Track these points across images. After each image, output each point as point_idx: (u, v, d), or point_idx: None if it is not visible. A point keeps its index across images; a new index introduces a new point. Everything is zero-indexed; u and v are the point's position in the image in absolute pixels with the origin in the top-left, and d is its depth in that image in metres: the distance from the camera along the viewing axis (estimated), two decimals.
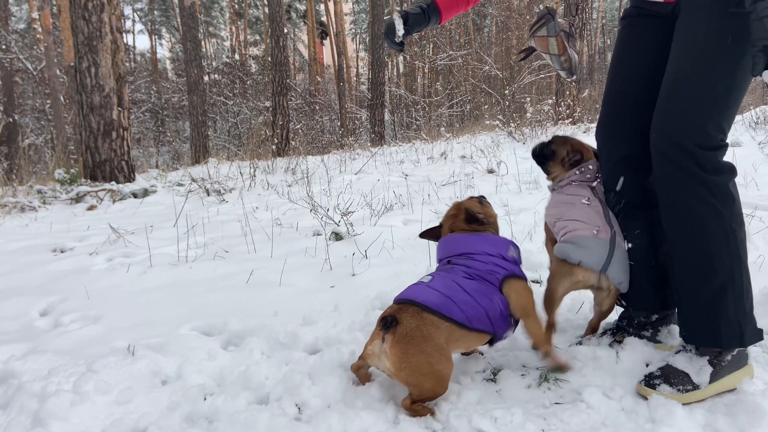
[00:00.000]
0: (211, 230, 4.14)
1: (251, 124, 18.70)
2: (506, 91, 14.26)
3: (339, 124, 24.54)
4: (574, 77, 2.04)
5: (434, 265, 2.96)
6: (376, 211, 4.24)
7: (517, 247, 1.96)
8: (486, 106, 18.88)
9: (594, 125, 9.83)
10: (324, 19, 35.70)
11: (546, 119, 10.37)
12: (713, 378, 1.63)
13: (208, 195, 5.81)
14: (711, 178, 1.60)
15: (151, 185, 6.38)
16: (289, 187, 5.96)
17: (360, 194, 4.98)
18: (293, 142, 14.09)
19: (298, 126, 20.15)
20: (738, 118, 9.08)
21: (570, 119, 10.73)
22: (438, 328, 1.62)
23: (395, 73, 33.37)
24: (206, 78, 24.39)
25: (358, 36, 42.05)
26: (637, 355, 1.89)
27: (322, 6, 35.21)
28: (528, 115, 9.62)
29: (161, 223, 4.53)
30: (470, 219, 1.95)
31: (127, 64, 28.27)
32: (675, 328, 1.89)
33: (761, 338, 1.66)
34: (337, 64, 28.45)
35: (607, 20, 36.93)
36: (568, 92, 11.64)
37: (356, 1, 39.80)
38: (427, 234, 2.14)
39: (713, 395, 1.65)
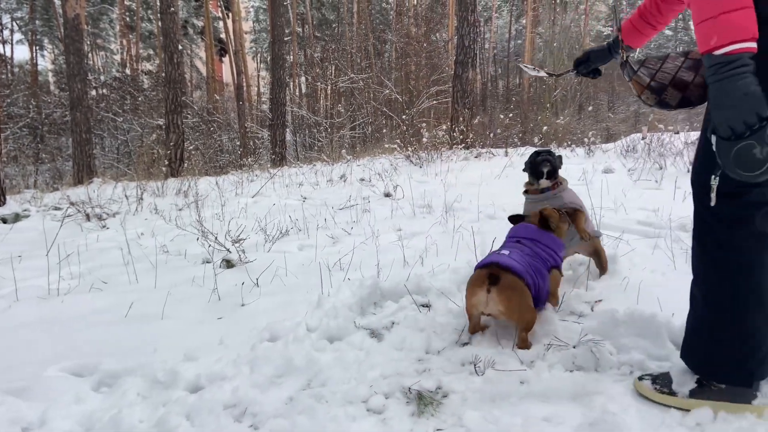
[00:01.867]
0: (89, 259, 3.86)
1: (143, 142, 17.79)
2: (404, 116, 14.64)
3: (239, 143, 23.95)
4: (666, 108, 1.99)
5: (327, 292, 2.95)
6: (271, 237, 4.16)
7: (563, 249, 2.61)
8: (386, 129, 19.28)
9: (485, 151, 10.30)
10: (223, 36, 34.96)
11: (441, 144, 10.74)
12: (694, 394, 1.72)
13: (88, 220, 5.43)
14: (720, 227, 1.63)
15: (23, 209, 5.86)
16: (180, 211, 5.71)
17: (255, 219, 4.87)
18: (187, 162, 13.55)
19: (194, 145, 19.44)
20: (611, 146, 9.92)
21: (463, 144, 11.19)
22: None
23: (297, 94, 33.24)
24: (93, 93, 22.94)
25: (259, 55, 41.55)
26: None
27: (221, 23, 34.49)
28: (424, 139, 9.92)
29: (32, 251, 4.16)
30: (543, 222, 2.59)
31: (3, 76, 25.98)
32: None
33: (747, 385, 1.67)
34: (236, 82, 27.86)
35: (498, 50, 39.14)
36: (461, 118, 12.14)
37: (256, 20, 39.37)
38: (514, 218, 2.74)
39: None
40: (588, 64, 2.35)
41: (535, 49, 31.16)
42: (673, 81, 1.89)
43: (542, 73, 2.80)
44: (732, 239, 1.61)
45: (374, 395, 1.96)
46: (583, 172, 6.43)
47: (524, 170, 3.13)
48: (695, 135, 10.19)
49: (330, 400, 1.96)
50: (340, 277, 3.22)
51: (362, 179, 8.02)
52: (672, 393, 1.77)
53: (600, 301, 2.68)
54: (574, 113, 17.78)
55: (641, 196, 5.26)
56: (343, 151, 14.28)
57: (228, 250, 3.66)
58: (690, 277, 2.73)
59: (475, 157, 9.99)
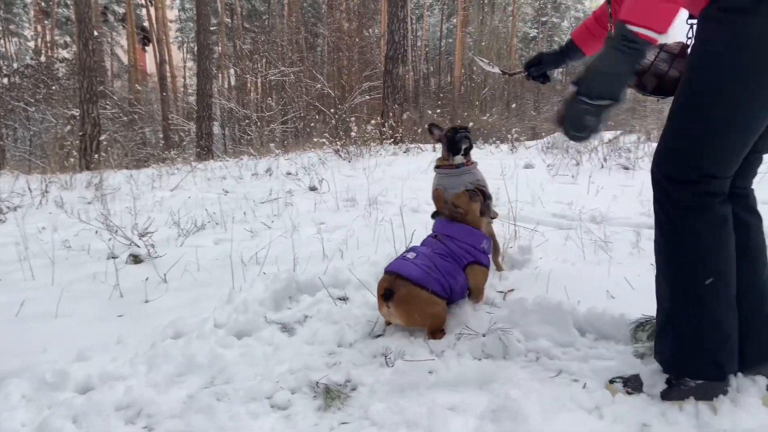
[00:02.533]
0: None
1: (57, 133, 16.74)
2: (332, 110, 14.53)
3: (162, 136, 23.03)
4: (642, 92, 1.96)
5: (239, 286, 2.84)
6: (185, 231, 3.98)
7: (488, 241, 2.59)
8: (316, 124, 19.09)
9: (413, 146, 10.38)
10: (146, 24, 33.47)
11: (371, 139, 10.74)
12: (665, 395, 1.67)
13: None
14: (676, 214, 1.61)
15: None
16: (88, 204, 5.38)
17: (169, 213, 4.65)
18: (105, 155, 12.86)
19: (113, 137, 18.50)
20: (533, 143, 10.24)
21: (393, 139, 11.23)
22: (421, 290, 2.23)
23: (226, 86, 32.34)
24: (4, 81, 21.40)
25: (185, 45, 40.09)
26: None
27: (144, 11, 33.02)
28: (353, 134, 9.88)
29: None
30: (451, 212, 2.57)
31: None
32: (762, 380, 1.70)
33: (720, 379, 1.63)
34: (159, 72, 26.76)
35: (429, 48, 39.64)
36: (392, 114, 12.19)
37: (182, 9, 37.93)
38: (435, 215, 2.65)
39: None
40: (540, 67, 2.32)
41: (465, 48, 31.77)
42: (651, 68, 1.89)
43: (496, 69, 2.78)
44: (692, 226, 1.60)
45: (280, 391, 1.88)
46: (502, 167, 6.58)
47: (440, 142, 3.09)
48: (609, 134, 10.67)
49: (233, 397, 1.88)
50: (255, 272, 3.12)
51: (288, 173, 7.88)
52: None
53: (512, 290, 2.72)
54: (502, 111, 18.25)
55: (558, 190, 5.43)
56: (272, 145, 14.01)
57: (136, 244, 3.47)
58: (598, 266, 2.82)
59: (404, 152, 10.05)
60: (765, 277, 1.71)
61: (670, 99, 1.78)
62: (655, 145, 7.35)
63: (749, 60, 1.43)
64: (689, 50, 1.62)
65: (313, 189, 6.00)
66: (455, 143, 2.99)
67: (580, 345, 2.17)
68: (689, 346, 1.64)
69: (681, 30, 1.83)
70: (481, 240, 2.54)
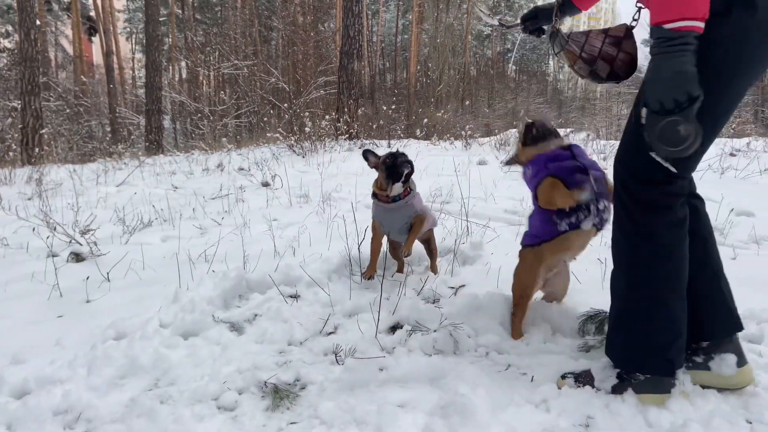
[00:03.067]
0: None
1: None
2: (287, 105, 14.35)
3: (109, 129, 22.27)
4: (597, 80, 1.92)
5: (186, 285, 2.76)
6: (130, 228, 3.85)
7: None
8: (271, 119, 18.81)
9: (369, 142, 10.36)
10: (93, 14, 32.22)
11: (325, 134, 10.65)
12: (616, 390, 1.70)
13: None
14: (640, 213, 1.62)
15: None
16: (29, 200, 5.14)
17: (114, 209, 4.49)
18: (48, 148, 12.32)
19: (57, 130, 17.75)
20: (485, 140, 10.38)
21: (348, 135, 11.18)
22: None
23: (177, 79, 31.49)
24: None
25: (134, 35, 38.85)
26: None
27: (91, 0, 31.79)
28: (306, 129, 9.77)
29: None
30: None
31: None
32: (730, 357, 1.72)
33: (669, 374, 1.66)
34: (106, 64, 25.83)
35: (385, 44, 39.67)
36: (347, 109, 12.12)
37: None
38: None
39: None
40: (535, 21, 2.25)
41: (421, 45, 31.92)
42: (601, 54, 1.88)
43: (494, 21, 2.69)
44: (651, 225, 1.61)
45: (227, 391, 1.84)
46: (455, 164, 6.64)
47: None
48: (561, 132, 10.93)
49: (177, 399, 1.82)
50: (204, 270, 3.04)
51: (241, 168, 7.73)
52: (597, 391, 1.74)
53: (463, 285, 2.74)
54: (456, 108, 18.44)
55: (510, 186, 5.52)
56: (225, 139, 13.72)
57: (77, 242, 3.33)
58: None
59: (359, 147, 10.01)
60: (716, 255, 1.76)
61: (629, 82, 1.83)
62: (603, 142, 7.53)
63: (720, 60, 1.46)
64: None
65: (265, 185, 5.90)
66: (396, 170, 2.72)
67: (529, 339, 2.20)
68: (641, 342, 1.67)
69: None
70: None
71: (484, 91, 32.14)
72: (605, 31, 1.92)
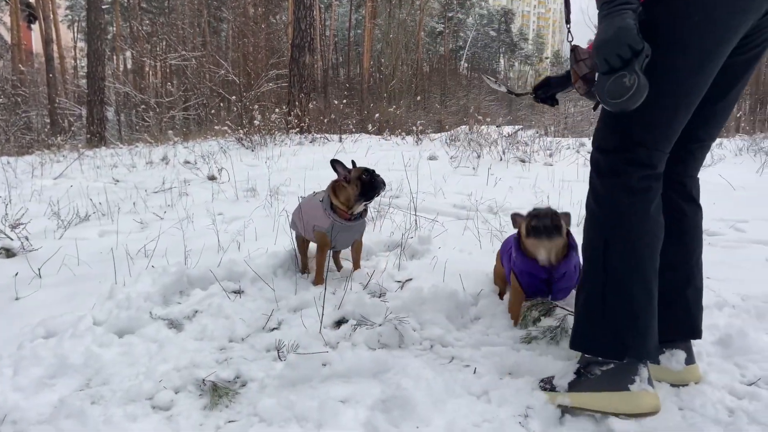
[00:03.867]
0: None
1: None
2: (235, 98, 14.07)
3: (48, 120, 21.28)
4: (592, 99, 1.83)
5: (124, 281, 2.65)
6: (65, 222, 3.67)
7: None
8: (220, 111, 18.42)
9: (320, 136, 10.27)
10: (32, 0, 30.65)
11: (276, 128, 10.48)
12: (572, 387, 1.63)
13: None
14: (598, 181, 1.61)
15: None
16: None
17: (49, 203, 4.28)
18: None
19: None
20: (436, 135, 10.46)
21: (299, 129, 11.05)
22: None
23: (122, 69, 30.40)
24: None
25: (76, 24, 37.28)
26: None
27: None
28: (256, 122, 9.59)
29: None
30: None
31: None
32: (680, 354, 1.73)
33: (639, 358, 1.57)
34: (46, 52, 24.66)
35: (339, 38, 39.45)
36: (298, 103, 11.97)
37: None
38: None
39: (573, 406, 1.61)
40: (546, 89, 2.23)
41: (374, 40, 31.89)
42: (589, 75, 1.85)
43: (503, 88, 2.64)
44: (609, 193, 1.58)
45: (162, 390, 1.77)
46: (405, 159, 6.67)
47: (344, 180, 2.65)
48: (509, 129, 11.12)
49: (109, 399, 1.74)
50: (142, 265, 2.92)
51: (186, 161, 7.52)
52: (553, 388, 1.68)
53: (410, 279, 2.74)
54: (409, 104, 18.50)
55: (459, 181, 5.57)
56: (171, 132, 13.33)
57: (7, 236, 3.15)
58: (493, 255, 2.88)
59: (310, 142, 9.91)
60: (694, 262, 1.76)
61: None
62: (549, 139, 7.71)
63: (671, 18, 1.45)
64: None
65: (211, 178, 5.76)
66: (373, 189, 2.58)
67: (473, 331, 2.22)
68: (595, 320, 1.61)
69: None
70: None
71: (437, 88, 32.40)
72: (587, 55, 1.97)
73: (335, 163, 2.65)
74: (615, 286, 1.57)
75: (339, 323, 2.30)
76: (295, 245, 2.94)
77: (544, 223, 2.13)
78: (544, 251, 2.15)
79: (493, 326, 2.25)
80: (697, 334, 1.80)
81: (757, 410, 1.63)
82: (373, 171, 2.64)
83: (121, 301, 2.33)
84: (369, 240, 3.33)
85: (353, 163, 2.75)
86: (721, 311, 2.34)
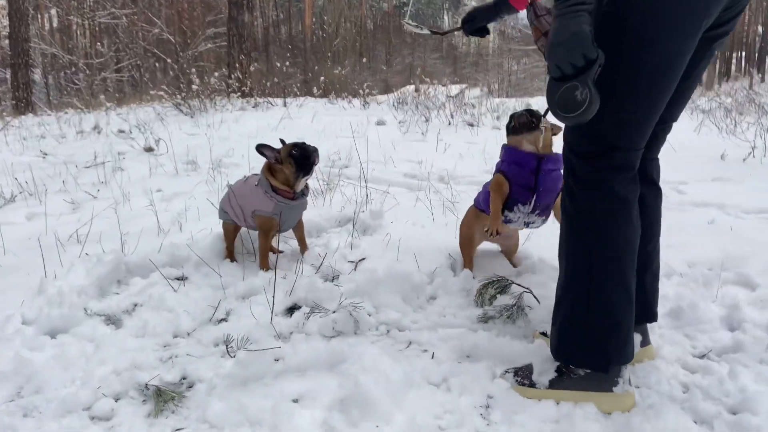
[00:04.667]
0: None
1: None
2: (170, 60, 13.38)
3: None
4: None
5: (54, 272, 2.46)
6: None
7: None
8: (156, 73, 17.52)
9: (263, 100, 9.91)
10: None
11: (215, 92, 10.04)
12: (553, 384, 1.61)
13: None
14: (577, 189, 1.53)
15: None
16: None
17: None
18: None
19: None
20: (384, 98, 10.29)
21: (240, 93, 10.63)
22: None
23: (47, 29, 28.36)
24: None
25: None
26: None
27: None
28: (194, 86, 9.14)
29: None
30: None
31: None
32: (636, 337, 1.67)
33: (602, 370, 1.56)
34: None
35: None
36: (238, 65, 11.48)
37: None
38: None
39: (557, 400, 1.60)
40: (473, 23, 2.15)
41: None
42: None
43: (425, 31, 2.51)
44: (587, 201, 1.52)
45: (101, 399, 1.65)
46: (353, 125, 6.53)
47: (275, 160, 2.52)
48: (455, 89, 11.05)
49: (44, 411, 1.61)
50: (75, 253, 2.72)
51: (121, 131, 7.11)
52: (532, 384, 1.64)
53: (363, 259, 2.66)
54: (354, 64, 18.11)
55: (409, 148, 5.48)
56: (103, 96, 12.60)
57: None
58: (446, 228, 2.84)
59: (253, 107, 9.57)
60: (652, 247, 1.74)
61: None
62: (497, 100, 7.68)
63: (647, 26, 1.36)
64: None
65: (149, 150, 5.44)
66: (307, 162, 2.49)
67: (429, 312, 2.17)
68: (578, 331, 1.57)
69: None
70: None
71: (382, 46, 31.86)
72: (548, 10, 1.89)
73: (262, 148, 2.51)
74: (599, 298, 1.54)
75: (291, 310, 2.21)
76: (223, 236, 2.75)
77: (521, 120, 2.27)
78: (527, 143, 2.27)
79: (449, 306, 2.21)
80: (653, 317, 1.83)
81: (711, 385, 1.65)
82: (302, 144, 2.54)
83: (52, 296, 2.15)
84: (319, 216, 3.22)
85: (282, 141, 2.61)
86: (670, 280, 2.38)
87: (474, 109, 8.02)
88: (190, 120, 8.17)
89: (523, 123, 2.26)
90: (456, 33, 2.34)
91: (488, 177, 4.40)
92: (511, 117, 2.34)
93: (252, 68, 11.55)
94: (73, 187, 4.02)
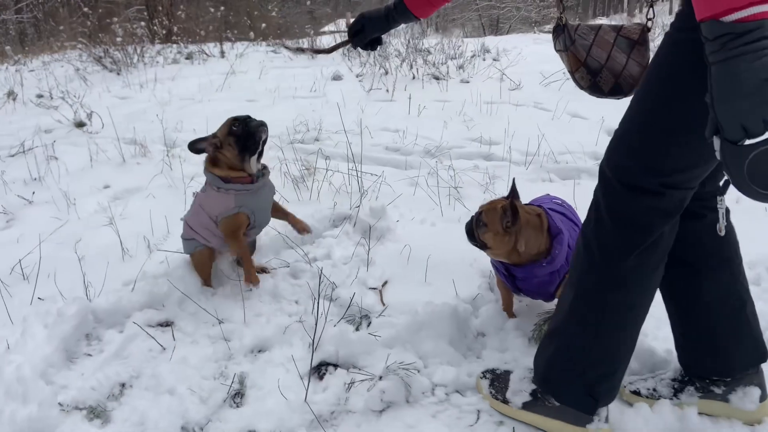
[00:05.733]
0: None
1: None
2: None
3: None
4: (597, 94, 1.57)
5: (6, 340, 1.93)
6: None
7: None
8: (61, 8, 15.63)
9: (196, 50, 8.93)
10: None
11: (138, 40, 8.94)
12: (527, 407, 1.54)
13: None
14: (610, 222, 1.33)
15: None
16: None
17: None
18: None
19: None
20: (327, 39, 9.51)
21: (169, 41, 9.57)
22: None
23: None
24: None
25: None
26: None
27: None
28: (118, 38, 8.04)
29: None
30: None
31: None
32: (754, 391, 1.51)
33: (588, 412, 1.45)
34: None
35: None
36: (161, 8, 10.29)
37: None
38: None
39: (523, 421, 1.55)
40: (363, 36, 1.73)
41: None
42: (608, 60, 1.51)
43: (308, 53, 2.00)
44: (621, 246, 1.33)
45: None
46: (311, 81, 5.94)
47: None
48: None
49: None
50: (25, 299, 2.17)
51: (40, 96, 6.16)
52: (505, 401, 1.58)
53: (386, 283, 2.26)
54: (294, 5, 16.81)
55: (379, 111, 4.99)
56: (8, 48, 11.09)
57: None
58: (460, 225, 2.47)
59: (186, 58, 8.62)
60: (742, 277, 1.52)
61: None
62: (456, 46, 7.05)
63: None
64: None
65: (80, 126, 4.66)
66: (252, 138, 2.09)
67: (487, 360, 1.83)
68: (566, 368, 1.47)
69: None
70: None
71: None
72: (617, 29, 1.56)
73: (195, 144, 2.15)
74: (604, 345, 1.42)
75: (319, 369, 1.80)
76: (197, 268, 2.27)
77: (468, 226, 1.87)
78: (489, 255, 1.88)
79: (506, 349, 1.87)
80: (766, 356, 1.56)
81: None
82: (245, 117, 2.15)
83: (11, 385, 1.64)
84: (310, 216, 2.76)
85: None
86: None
87: (430, 56, 7.47)
88: (117, 78, 7.23)
89: (468, 231, 1.87)
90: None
91: (474, 147, 4.09)
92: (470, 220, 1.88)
93: (179, 13, 10.37)
94: (2, 189, 3.32)
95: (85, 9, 12.08)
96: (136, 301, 2.12)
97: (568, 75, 1.64)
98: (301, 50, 1.80)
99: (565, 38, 1.59)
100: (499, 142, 4.04)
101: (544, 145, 3.72)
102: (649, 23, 1.52)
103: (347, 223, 2.81)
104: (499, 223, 1.74)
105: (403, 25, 1.82)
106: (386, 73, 6.63)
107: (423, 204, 3.01)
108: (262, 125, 2.12)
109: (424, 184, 3.21)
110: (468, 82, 6.17)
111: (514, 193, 1.85)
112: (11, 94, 6.13)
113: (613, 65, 1.51)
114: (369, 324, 2.00)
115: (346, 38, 1.80)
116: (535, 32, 12.39)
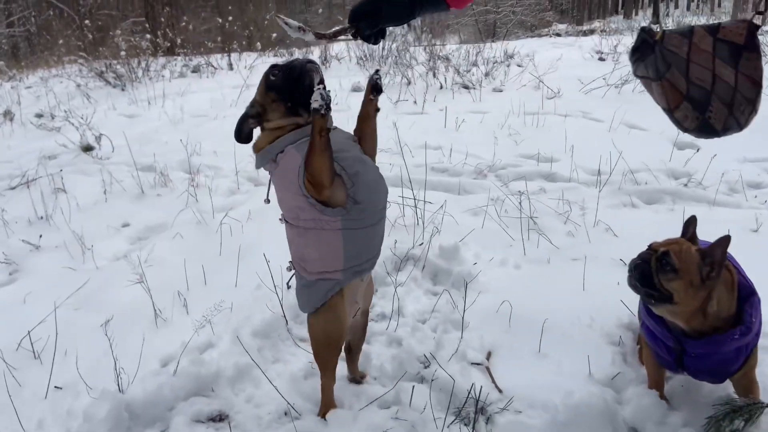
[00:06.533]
0: None
1: None
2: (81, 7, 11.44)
3: None
4: (710, 134, 1.14)
5: None
6: None
7: None
8: (52, 23, 15.16)
9: (203, 62, 8.50)
10: None
11: (141, 52, 8.47)
12: None
13: None
14: None
15: None
16: None
17: None
18: None
19: None
20: (341, 47, 9.08)
21: (170, 52, 9.14)
22: None
23: None
24: None
25: None
26: None
27: None
28: (123, 53, 7.59)
29: None
30: None
31: None
32: None
33: None
34: None
35: None
36: (163, 19, 9.85)
37: None
38: None
39: None
40: (376, 21, 1.27)
41: None
42: (715, 83, 1.10)
43: (309, 36, 1.41)
44: None
45: None
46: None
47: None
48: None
49: None
50: (38, 391, 1.72)
51: (39, 115, 5.70)
52: None
53: (489, 354, 1.82)
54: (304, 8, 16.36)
55: (413, 125, 4.55)
56: (2, 63, 10.64)
57: None
58: (549, 268, 2.09)
59: (192, 71, 8.18)
60: None
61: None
62: (473, 52, 6.53)
63: None
64: None
65: (88, 149, 4.20)
66: (299, 81, 1.44)
67: None
68: None
69: None
70: None
71: None
72: (713, 30, 1.13)
73: (239, 131, 1.52)
74: None
75: None
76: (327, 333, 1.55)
77: (634, 274, 1.40)
78: (666, 313, 1.40)
79: None
80: None
81: None
82: (285, 64, 1.51)
83: None
84: None
85: None
86: None
87: (448, 62, 7.04)
88: (122, 94, 6.78)
89: (635, 285, 1.40)
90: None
91: (531, 166, 3.66)
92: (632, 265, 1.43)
93: (183, 24, 9.93)
94: (2, 232, 2.86)
95: (87, 21, 11.66)
96: (179, 388, 1.68)
97: (664, 112, 1.20)
98: (302, 29, 1.41)
99: (657, 61, 1.16)
100: (558, 159, 3.61)
101: (614, 161, 3.28)
102: (757, 19, 1.10)
103: (411, 265, 2.38)
104: (696, 271, 1.30)
105: (418, 20, 1.37)
106: (409, 83, 6.20)
107: (496, 239, 2.58)
108: (310, 63, 1.48)
109: (494, 214, 2.77)
110: (501, 91, 5.74)
111: (693, 235, 1.41)
112: (8, 114, 5.66)
113: (721, 89, 1.09)
114: (488, 420, 1.54)
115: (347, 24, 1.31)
116: (550, 36, 11.98)
